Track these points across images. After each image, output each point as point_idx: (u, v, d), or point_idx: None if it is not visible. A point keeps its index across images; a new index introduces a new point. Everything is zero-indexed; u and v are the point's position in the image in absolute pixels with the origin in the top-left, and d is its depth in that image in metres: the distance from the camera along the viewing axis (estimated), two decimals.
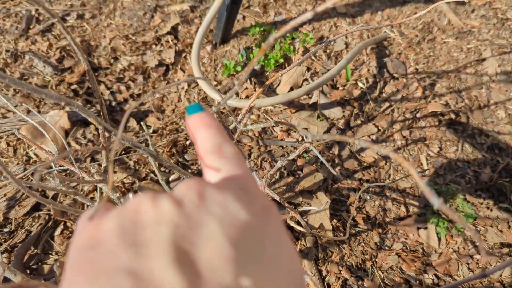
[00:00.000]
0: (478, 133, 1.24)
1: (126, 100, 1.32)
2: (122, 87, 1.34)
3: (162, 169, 1.17)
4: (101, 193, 1.11)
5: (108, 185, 0.24)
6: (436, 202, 0.27)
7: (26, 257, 1.02)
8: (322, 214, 1.07)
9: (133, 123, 1.26)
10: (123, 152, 1.19)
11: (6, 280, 0.90)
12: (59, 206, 0.67)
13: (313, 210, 1.08)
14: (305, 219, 1.07)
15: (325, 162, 0.77)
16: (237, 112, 1.26)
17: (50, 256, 1.02)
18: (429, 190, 0.28)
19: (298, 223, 0.97)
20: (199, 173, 1.16)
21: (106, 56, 1.40)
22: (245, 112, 0.77)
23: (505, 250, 1.05)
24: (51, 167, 0.96)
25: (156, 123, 1.26)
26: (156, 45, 1.45)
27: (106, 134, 0.72)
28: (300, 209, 1.01)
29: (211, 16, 1.26)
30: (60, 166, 1.00)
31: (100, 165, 1.05)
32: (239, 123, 0.76)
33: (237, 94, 1.31)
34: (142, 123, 1.02)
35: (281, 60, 1.35)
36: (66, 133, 1.21)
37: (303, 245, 1.05)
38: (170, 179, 1.14)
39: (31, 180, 1.12)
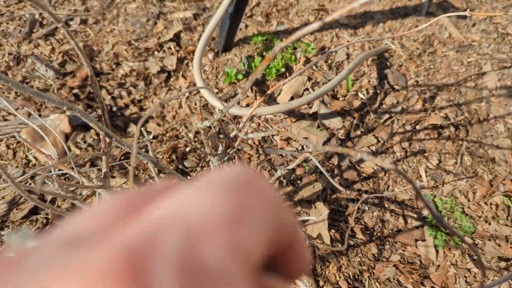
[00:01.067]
0: (477, 146, 1.24)
1: (127, 106, 1.32)
2: (123, 93, 1.35)
3: (162, 175, 1.17)
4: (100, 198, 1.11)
5: None
6: (437, 216, 0.27)
7: None
8: (320, 225, 1.07)
9: (133, 128, 1.26)
10: (123, 157, 1.19)
11: None
12: (58, 210, 0.67)
13: (312, 220, 1.08)
14: (303, 229, 1.07)
15: (324, 172, 0.77)
16: (237, 120, 1.26)
17: None
18: (430, 207, 0.28)
19: None
20: None
21: (108, 61, 1.41)
22: (246, 120, 0.77)
23: (503, 264, 1.05)
24: (50, 171, 0.96)
25: (157, 129, 1.27)
26: (158, 51, 1.45)
27: (107, 140, 0.72)
28: (299, 218, 1.01)
29: (213, 24, 1.27)
30: (60, 170, 1.00)
31: (100, 170, 1.05)
32: (240, 131, 0.77)
33: (238, 103, 1.31)
34: (142, 129, 1.03)
35: (283, 69, 1.36)
36: (67, 137, 1.21)
37: None
38: None
39: (30, 184, 1.12)
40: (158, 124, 1.29)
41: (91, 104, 1.30)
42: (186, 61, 1.43)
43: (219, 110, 1.04)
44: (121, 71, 1.39)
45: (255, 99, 1.31)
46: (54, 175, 0.94)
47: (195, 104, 1.31)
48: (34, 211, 1.09)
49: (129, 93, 1.36)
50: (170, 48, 1.46)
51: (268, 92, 0.71)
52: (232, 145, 0.78)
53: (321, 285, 1.01)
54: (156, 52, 1.45)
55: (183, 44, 1.48)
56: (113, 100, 1.33)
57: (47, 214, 1.08)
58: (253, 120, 1.27)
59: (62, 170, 0.85)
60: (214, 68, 1.41)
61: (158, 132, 1.26)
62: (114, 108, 1.31)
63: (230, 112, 1.17)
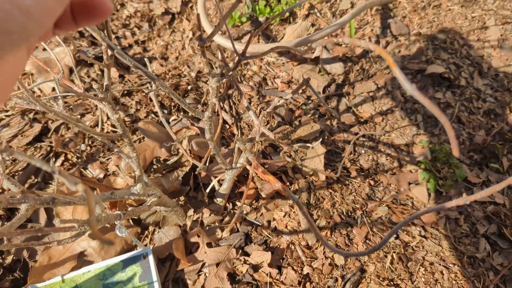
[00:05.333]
0: (476, 97, 1.26)
1: (131, 46, 1.33)
2: (128, 33, 1.36)
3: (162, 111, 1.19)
4: (102, 128, 1.14)
5: None
6: (409, 88, 0.29)
7: (26, 185, 1.04)
8: (316, 162, 1.10)
9: None
10: (125, 93, 1.21)
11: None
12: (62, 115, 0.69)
13: (309, 156, 1.10)
14: (300, 166, 1.10)
15: (323, 102, 0.79)
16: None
17: (50, 185, 1.05)
18: (403, 77, 0.30)
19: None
20: (197, 118, 1.18)
21: (112, 2, 1.41)
22: (246, 44, 0.79)
23: (491, 207, 1.08)
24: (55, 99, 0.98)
25: (159, 69, 1.28)
26: None
27: (109, 52, 0.74)
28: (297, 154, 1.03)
29: None
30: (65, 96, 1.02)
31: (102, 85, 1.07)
32: (241, 55, 0.78)
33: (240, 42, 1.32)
34: (146, 59, 1.04)
35: (287, 14, 1.36)
36: (71, 71, 1.23)
37: (296, 189, 1.07)
38: (170, 120, 1.16)
39: (36, 113, 1.14)
40: (161, 65, 1.30)
41: (95, 41, 1.31)
42: (190, 4, 1.43)
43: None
44: (125, 12, 1.40)
45: (258, 42, 1.31)
46: (60, 97, 0.96)
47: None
48: (38, 138, 1.11)
49: (133, 34, 1.36)
50: None
51: (267, 23, 0.72)
52: (229, 68, 0.80)
53: (315, 218, 1.04)
54: None
55: None
56: (117, 40, 1.34)
57: (50, 142, 1.10)
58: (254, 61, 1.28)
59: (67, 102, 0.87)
60: (218, 11, 1.42)
61: (161, 72, 1.27)
62: (118, 48, 1.32)
63: (231, 47, 1.18)
